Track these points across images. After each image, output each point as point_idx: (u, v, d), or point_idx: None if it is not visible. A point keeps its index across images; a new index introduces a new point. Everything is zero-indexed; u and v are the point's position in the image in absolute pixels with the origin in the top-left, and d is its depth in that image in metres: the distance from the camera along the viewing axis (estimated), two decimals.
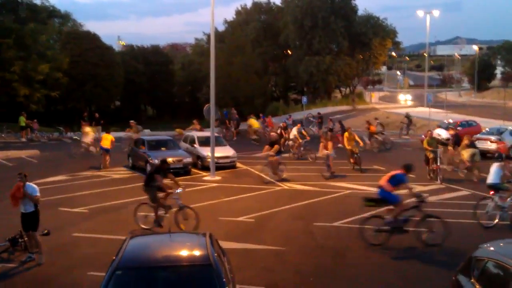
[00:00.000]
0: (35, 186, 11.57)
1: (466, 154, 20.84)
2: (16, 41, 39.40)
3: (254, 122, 36.04)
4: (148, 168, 22.28)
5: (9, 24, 39.78)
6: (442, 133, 25.99)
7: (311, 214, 15.48)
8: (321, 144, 22.12)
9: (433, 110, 44.27)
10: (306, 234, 13.55)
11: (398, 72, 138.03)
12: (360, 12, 73.22)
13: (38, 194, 11.46)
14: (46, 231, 12.50)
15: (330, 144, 21.99)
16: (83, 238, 13.19)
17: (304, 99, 51.41)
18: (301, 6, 67.93)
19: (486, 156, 24.85)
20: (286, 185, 19.85)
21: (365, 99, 77.31)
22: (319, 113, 41.00)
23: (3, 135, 34.38)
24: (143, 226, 13.84)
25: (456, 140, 23.12)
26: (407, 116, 37.85)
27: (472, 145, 21.32)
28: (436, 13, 58.38)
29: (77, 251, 12.23)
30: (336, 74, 67.06)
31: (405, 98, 50.91)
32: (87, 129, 28.67)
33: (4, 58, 38.90)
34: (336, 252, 12.18)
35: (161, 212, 13.88)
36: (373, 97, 79.89)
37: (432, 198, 17.33)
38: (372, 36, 69.44)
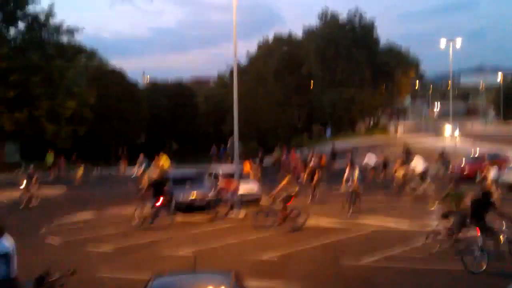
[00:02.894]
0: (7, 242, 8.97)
1: None
2: (43, 78, 40.25)
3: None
4: (173, 204, 22.29)
5: (37, 61, 40.68)
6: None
7: (337, 253, 15.19)
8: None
9: (459, 141, 43.65)
10: (332, 273, 13.28)
11: (424, 104, 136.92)
12: (383, 41, 73.56)
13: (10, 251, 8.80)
14: (71, 270, 12.45)
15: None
16: (107, 279, 13.13)
17: (328, 131, 51.29)
18: (322, 37, 68.44)
19: None
20: (312, 222, 19.58)
21: (389, 131, 76.78)
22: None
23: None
24: None
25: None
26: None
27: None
28: (459, 41, 58.04)
29: None
30: (359, 106, 66.95)
31: (451, 132, 49.99)
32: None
33: (32, 95, 39.71)
34: None
35: None
36: (399, 129, 79.38)
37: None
38: (394, 66, 69.48)
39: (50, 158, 35.41)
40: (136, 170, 27.24)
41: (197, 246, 15.68)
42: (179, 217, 21.14)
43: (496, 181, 22.76)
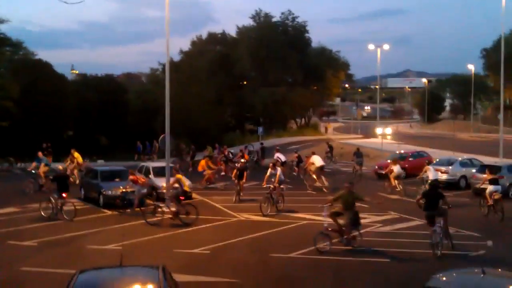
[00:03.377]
0: None
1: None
2: None
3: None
4: (101, 200, 21.86)
5: None
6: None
7: (267, 245, 15.41)
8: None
9: (385, 141, 45.26)
10: (262, 266, 13.47)
11: (353, 105, 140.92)
12: (314, 44, 75.00)
13: None
14: None
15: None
16: (32, 273, 12.70)
17: (260, 129, 51.78)
18: (255, 37, 69.00)
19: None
20: (242, 216, 19.77)
21: (320, 130, 78.43)
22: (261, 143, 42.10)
23: None
24: None
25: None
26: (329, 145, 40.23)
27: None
28: (386, 47, 60.10)
29: (25, 287, 11.76)
30: (290, 105, 67.99)
31: (382, 131, 51.74)
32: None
33: None
34: (292, 283, 12.14)
35: None
36: (330, 128, 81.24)
37: (386, 228, 17.65)
38: (325, 68, 71.04)
39: None
40: (34, 166, 26.52)
41: (125, 240, 15.43)
42: (108, 212, 20.81)
43: (398, 176, 25.45)
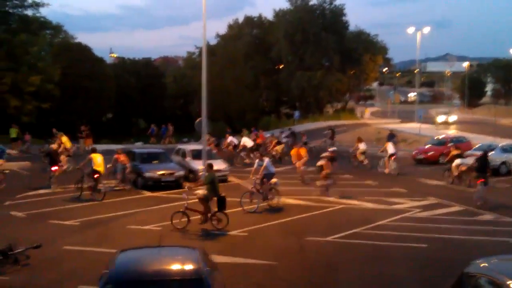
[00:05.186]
0: None
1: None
2: (6, 52, 39.24)
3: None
4: (140, 181, 22.21)
5: (0, 35, 39.63)
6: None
7: (303, 229, 15.44)
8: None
9: (423, 126, 44.49)
10: (299, 249, 13.51)
11: (391, 90, 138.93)
12: (351, 28, 73.94)
13: None
14: (37, 244, 12.40)
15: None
16: (73, 251, 13.05)
17: (296, 113, 51.55)
18: (292, 21, 68.42)
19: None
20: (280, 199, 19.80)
21: (356, 115, 77.64)
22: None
23: None
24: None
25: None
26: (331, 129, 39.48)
27: None
28: (426, 30, 58.90)
29: (67, 265, 12.09)
30: (327, 89, 67.41)
31: (445, 119, 51.19)
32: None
33: None
34: (328, 266, 12.14)
35: None
36: (367, 113, 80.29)
37: (424, 214, 17.43)
38: (362, 52, 70.02)
39: (13, 133, 34.67)
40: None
41: (165, 220, 15.67)
42: (146, 193, 21.14)
43: (393, 154, 26.46)
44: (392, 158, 26.43)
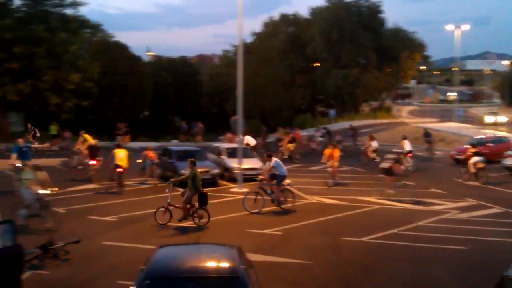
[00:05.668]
0: None
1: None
2: (47, 50, 40.11)
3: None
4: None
5: (41, 34, 40.45)
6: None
7: (339, 229, 15.34)
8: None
9: (463, 125, 43.61)
10: (333, 249, 13.43)
11: (429, 88, 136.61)
12: (389, 25, 72.98)
13: None
14: (76, 239, 12.68)
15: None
16: (112, 247, 13.29)
17: (332, 112, 51.20)
18: (328, 18, 67.93)
19: None
20: (314, 199, 19.74)
21: (393, 113, 76.68)
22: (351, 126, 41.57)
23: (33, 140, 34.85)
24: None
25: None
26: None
27: None
28: (466, 27, 57.58)
29: (106, 260, 12.32)
30: (364, 88, 66.74)
31: (494, 120, 50.13)
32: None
33: (36, 67, 39.62)
34: (364, 267, 12.04)
35: None
36: (404, 111, 79.18)
37: (463, 215, 17.10)
38: (400, 49, 69.03)
39: (53, 130, 35.46)
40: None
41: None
42: (182, 190, 21.26)
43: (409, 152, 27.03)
44: (409, 155, 26.99)
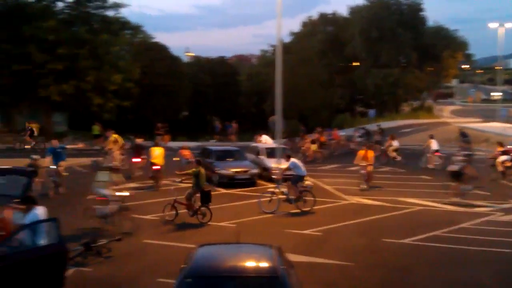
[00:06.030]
0: (40, 212, 10.11)
1: None
2: (89, 51, 40.92)
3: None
4: (215, 178, 22.54)
5: (83, 35, 41.29)
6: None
7: (379, 230, 15.15)
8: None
9: (508, 125, 42.48)
10: (374, 250, 13.27)
11: (472, 87, 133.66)
12: (430, 23, 71.74)
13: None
14: (118, 237, 12.89)
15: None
16: (153, 245, 13.45)
17: (371, 112, 50.62)
18: (368, 17, 67.19)
19: None
20: (354, 199, 19.55)
21: (435, 113, 75.31)
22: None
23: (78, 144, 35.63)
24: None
25: None
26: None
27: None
28: (509, 25, 56.10)
29: (147, 258, 12.48)
30: (404, 87, 65.76)
31: None
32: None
33: (79, 68, 40.47)
34: (404, 269, 11.84)
35: None
36: (446, 111, 77.67)
37: (507, 218, 16.65)
38: (442, 48, 67.81)
39: (96, 130, 36.18)
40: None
41: (239, 218, 15.84)
42: (221, 190, 21.41)
43: (436, 151, 27.58)
44: (436, 154, 27.51)
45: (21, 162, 19.78)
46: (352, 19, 72.07)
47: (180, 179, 21.88)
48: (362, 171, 21.53)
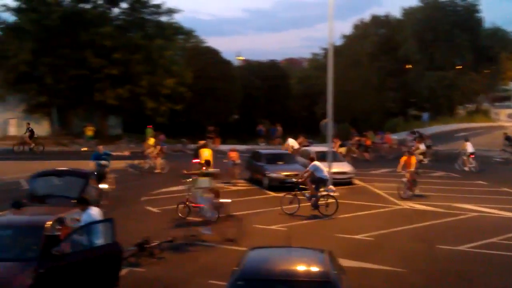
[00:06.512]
0: (94, 213, 10.41)
1: None
2: (144, 56, 41.84)
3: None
4: (265, 181, 22.60)
5: (138, 41, 42.24)
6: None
7: (433, 236, 14.78)
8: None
9: None
10: (428, 257, 12.95)
11: None
12: (486, 25, 69.74)
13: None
14: (170, 238, 13.08)
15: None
16: (203, 247, 13.56)
17: (425, 115, 49.60)
18: (422, 19, 65.91)
19: None
20: (407, 205, 19.16)
21: (491, 117, 73.03)
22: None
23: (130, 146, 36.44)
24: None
25: None
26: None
27: None
28: None
29: (198, 259, 12.60)
30: (459, 90, 64.10)
31: None
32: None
33: (134, 73, 41.43)
34: (460, 277, 11.50)
35: None
36: (503, 114, 75.22)
37: None
38: (499, 50, 65.79)
39: (150, 133, 36.85)
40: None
41: (289, 221, 15.78)
42: (271, 193, 21.41)
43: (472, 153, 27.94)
44: (471, 156, 27.76)
45: (80, 164, 20.35)
46: (405, 20, 70.87)
47: (232, 183, 22.17)
48: (404, 179, 20.53)
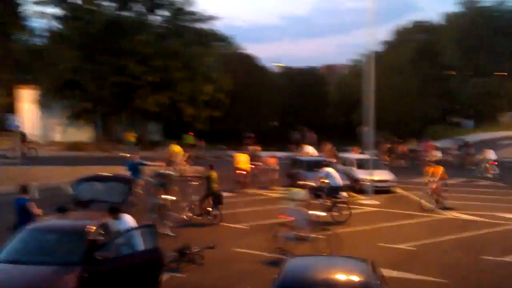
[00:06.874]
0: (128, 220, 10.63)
1: None
2: (183, 63, 42.27)
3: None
4: None
5: (177, 48, 42.71)
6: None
7: (477, 246, 14.40)
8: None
9: None
10: (472, 268, 12.61)
11: None
12: None
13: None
14: (211, 245, 13.14)
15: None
16: (243, 254, 13.57)
17: (469, 122, 48.59)
18: (465, 25, 64.64)
19: None
20: (450, 214, 18.73)
21: None
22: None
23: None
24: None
25: None
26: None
27: None
28: None
29: (237, 266, 12.59)
30: (505, 97, 62.52)
31: None
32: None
33: (173, 80, 41.90)
34: None
35: None
36: None
37: None
38: None
39: (190, 139, 37.16)
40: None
41: (329, 229, 15.59)
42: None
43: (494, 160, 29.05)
44: (492, 163, 28.75)
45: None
46: (447, 26, 69.62)
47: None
48: (428, 191, 19.79)
